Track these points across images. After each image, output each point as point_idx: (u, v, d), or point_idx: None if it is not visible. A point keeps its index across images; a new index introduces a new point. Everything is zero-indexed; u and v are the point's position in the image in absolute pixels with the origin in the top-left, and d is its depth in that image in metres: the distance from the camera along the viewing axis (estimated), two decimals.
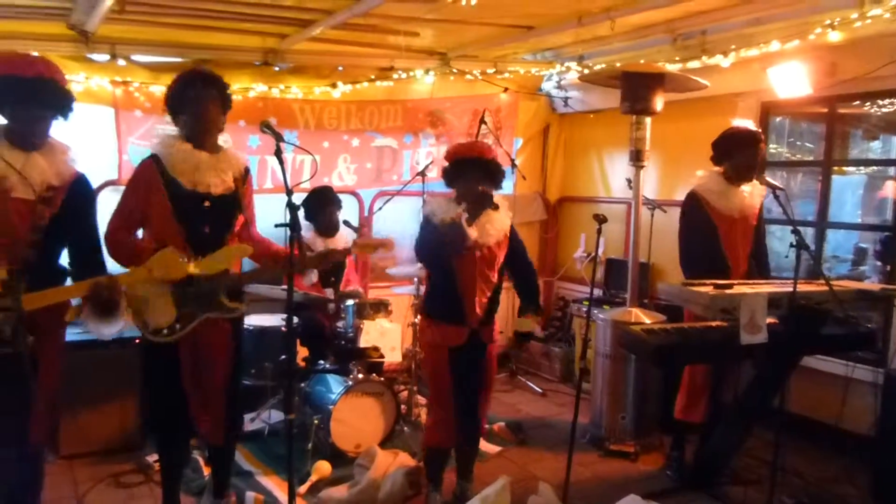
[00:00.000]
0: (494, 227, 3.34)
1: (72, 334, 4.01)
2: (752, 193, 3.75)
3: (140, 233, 3.06)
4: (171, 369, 3.00)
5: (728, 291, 3.15)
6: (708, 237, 3.68)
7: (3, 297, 2.28)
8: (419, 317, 3.50)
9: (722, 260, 3.67)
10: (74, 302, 2.71)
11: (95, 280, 2.56)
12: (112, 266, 2.89)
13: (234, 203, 3.07)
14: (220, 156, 3.05)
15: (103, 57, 4.39)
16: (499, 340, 3.59)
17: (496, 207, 3.31)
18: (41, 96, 2.52)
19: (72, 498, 3.55)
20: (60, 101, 2.59)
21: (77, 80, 4.28)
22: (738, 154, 3.67)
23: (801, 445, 4.10)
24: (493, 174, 3.34)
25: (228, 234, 3.07)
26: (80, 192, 2.67)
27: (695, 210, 3.73)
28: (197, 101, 2.97)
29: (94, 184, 4.41)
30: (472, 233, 3.23)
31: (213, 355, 3.07)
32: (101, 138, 4.49)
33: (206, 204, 2.99)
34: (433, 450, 3.52)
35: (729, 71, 4.53)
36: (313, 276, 3.38)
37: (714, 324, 3.27)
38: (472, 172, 3.30)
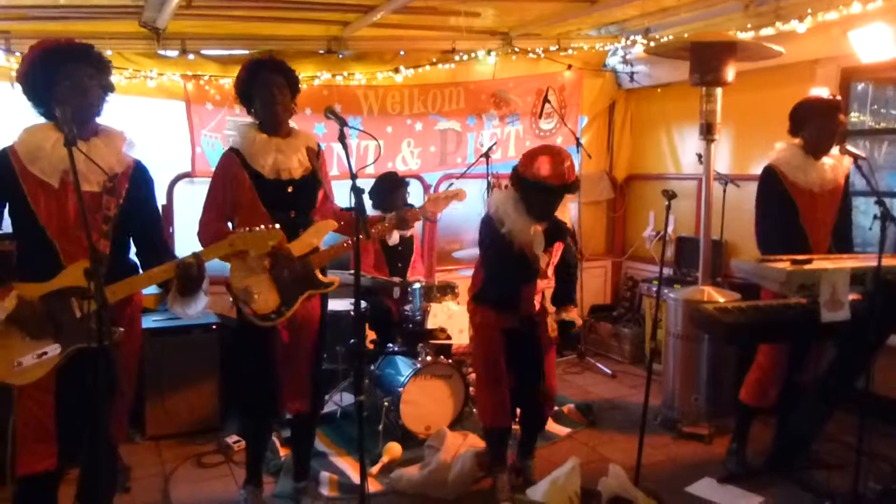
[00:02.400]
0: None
1: (156, 321, 4.23)
2: (834, 166, 3.54)
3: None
4: (265, 346, 3.12)
5: (807, 267, 3.02)
6: (785, 213, 3.51)
7: (88, 290, 2.22)
8: (468, 301, 3.50)
9: (801, 237, 3.50)
10: (152, 290, 2.75)
11: (180, 260, 2.56)
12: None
13: (314, 182, 3.16)
14: (293, 138, 3.14)
15: (174, 52, 4.53)
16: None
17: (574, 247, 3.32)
18: (82, 57, 2.49)
19: (159, 476, 3.73)
20: (101, 64, 2.55)
21: (150, 75, 4.44)
22: (814, 124, 3.48)
23: (889, 429, 3.91)
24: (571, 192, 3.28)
25: (311, 213, 3.19)
26: (141, 181, 2.67)
27: (771, 185, 3.55)
28: (265, 87, 3.04)
29: (169, 176, 4.68)
30: (544, 261, 3.26)
31: (306, 328, 3.22)
32: (175, 132, 4.65)
33: (290, 189, 3.09)
34: (492, 430, 3.50)
35: (805, 36, 4.32)
36: (396, 237, 3.49)
37: (792, 301, 3.14)
38: (554, 199, 3.23)
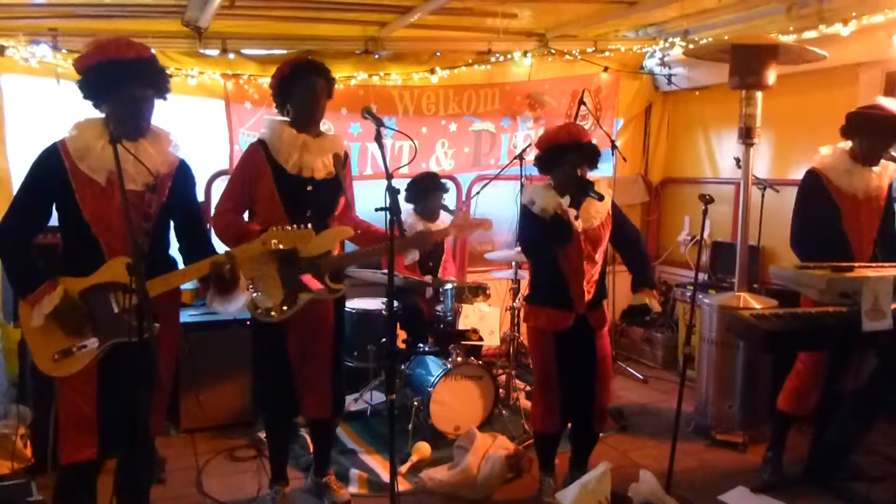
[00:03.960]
0: (597, 209, 3.24)
1: (192, 316, 4.30)
2: (880, 174, 3.46)
3: (246, 216, 3.19)
4: (279, 346, 3.14)
5: (848, 274, 2.95)
6: (827, 219, 3.42)
7: (130, 285, 2.27)
8: (522, 304, 3.43)
9: (844, 244, 3.41)
10: (188, 286, 2.78)
11: (213, 259, 2.59)
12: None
13: (335, 187, 3.16)
14: (322, 140, 3.15)
15: (215, 52, 4.60)
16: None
17: (600, 198, 3.13)
18: (144, 75, 2.49)
19: (192, 468, 3.79)
20: (161, 79, 2.56)
21: (191, 74, 4.51)
22: (874, 137, 3.37)
23: None
24: (591, 157, 3.24)
25: (330, 218, 3.18)
26: (184, 179, 2.70)
27: (814, 189, 3.46)
28: (309, 87, 3.07)
29: (207, 174, 4.75)
30: (578, 225, 3.17)
31: (318, 332, 3.20)
32: (214, 130, 4.72)
33: (309, 188, 3.10)
34: (540, 436, 3.50)
35: (849, 40, 4.22)
36: (414, 255, 3.47)
37: (832, 309, 3.08)
38: (569, 158, 3.18)
